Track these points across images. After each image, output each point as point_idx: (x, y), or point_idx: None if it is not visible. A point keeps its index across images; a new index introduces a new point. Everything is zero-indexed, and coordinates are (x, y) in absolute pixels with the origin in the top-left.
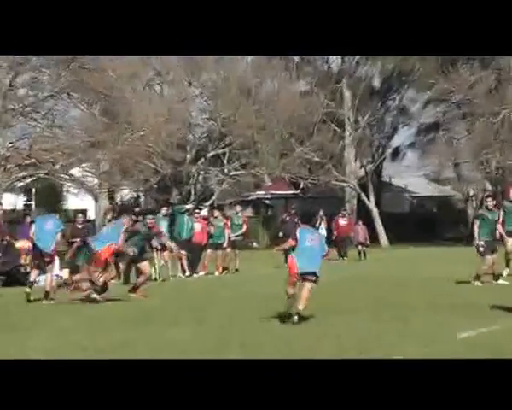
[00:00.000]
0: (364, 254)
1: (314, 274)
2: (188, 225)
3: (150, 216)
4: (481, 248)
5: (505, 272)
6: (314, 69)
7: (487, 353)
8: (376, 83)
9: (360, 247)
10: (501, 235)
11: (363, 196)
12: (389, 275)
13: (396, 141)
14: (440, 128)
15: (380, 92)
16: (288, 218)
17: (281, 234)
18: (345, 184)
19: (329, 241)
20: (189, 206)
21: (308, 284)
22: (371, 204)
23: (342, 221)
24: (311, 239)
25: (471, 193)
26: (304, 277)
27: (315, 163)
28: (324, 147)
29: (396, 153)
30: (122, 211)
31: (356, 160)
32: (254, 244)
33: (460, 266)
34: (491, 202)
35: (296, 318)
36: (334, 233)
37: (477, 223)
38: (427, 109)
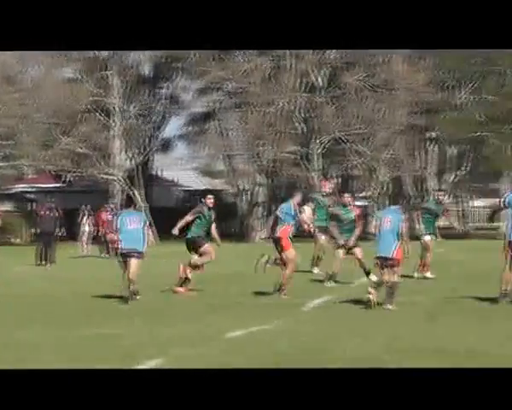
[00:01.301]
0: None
1: (138, 252)
2: None
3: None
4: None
5: (315, 270)
6: (81, 55)
7: (257, 352)
8: (146, 70)
9: None
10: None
11: (132, 190)
12: (159, 273)
13: (167, 132)
14: (213, 118)
15: (150, 80)
16: (43, 212)
17: (37, 230)
18: (111, 177)
19: (94, 237)
20: None
21: (134, 260)
22: (139, 198)
23: (108, 216)
24: (131, 222)
25: (245, 187)
26: (128, 255)
27: (80, 155)
28: (90, 138)
29: (166, 144)
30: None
31: (124, 151)
32: (17, 240)
33: (232, 263)
34: (347, 198)
35: (139, 297)
36: (100, 229)
37: (334, 224)
38: (199, 98)
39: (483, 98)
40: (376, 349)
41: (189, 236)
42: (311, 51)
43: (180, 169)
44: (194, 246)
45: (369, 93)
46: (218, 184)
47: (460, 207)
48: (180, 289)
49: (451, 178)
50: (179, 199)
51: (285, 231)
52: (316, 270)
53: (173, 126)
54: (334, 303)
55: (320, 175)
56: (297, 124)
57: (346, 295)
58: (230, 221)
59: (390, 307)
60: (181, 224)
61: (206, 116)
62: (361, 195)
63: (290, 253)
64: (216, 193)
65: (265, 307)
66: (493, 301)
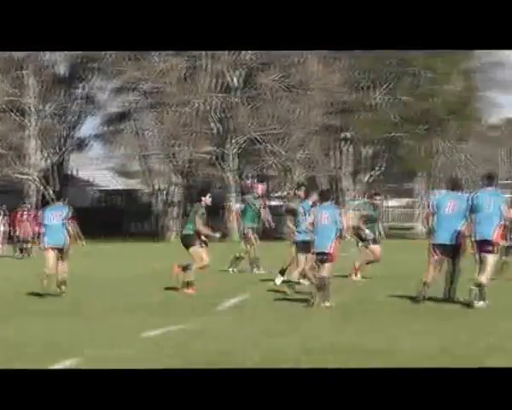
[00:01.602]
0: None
1: (59, 247)
2: None
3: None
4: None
5: (256, 271)
6: None
7: (174, 351)
8: (62, 70)
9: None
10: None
11: (47, 190)
12: (72, 273)
13: (82, 131)
14: (129, 118)
15: (66, 80)
16: None
17: None
18: (26, 177)
19: (9, 237)
20: None
21: (56, 254)
22: (54, 198)
23: (24, 216)
24: (54, 216)
25: (161, 187)
26: (51, 249)
27: None
28: (6, 137)
29: (82, 144)
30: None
31: (39, 151)
32: None
33: (148, 262)
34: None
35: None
36: (16, 229)
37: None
38: (115, 98)
39: (397, 99)
40: (293, 349)
41: (186, 232)
42: (226, 52)
43: (95, 169)
44: (187, 243)
45: (285, 93)
46: (133, 183)
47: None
48: (188, 290)
49: (366, 178)
50: (94, 199)
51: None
52: (256, 270)
53: (89, 126)
54: (250, 302)
55: (235, 175)
56: (212, 124)
57: (263, 295)
58: (146, 221)
59: (328, 304)
60: (207, 231)
61: (122, 116)
62: (276, 195)
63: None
64: (133, 192)
65: (181, 306)
66: (410, 299)
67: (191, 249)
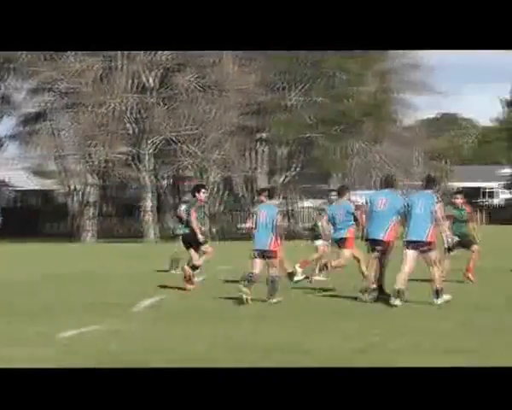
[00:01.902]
0: None
1: None
2: None
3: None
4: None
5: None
6: None
7: (90, 352)
8: None
9: None
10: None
11: None
12: None
13: None
14: (44, 119)
15: None
16: None
17: None
18: None
19: None
20: None
21: None
22: None
23: None
24: None
25: (76, 187)
26: None
27: None
28: None
29: None
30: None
31: None
32: None
33: (63, 263)
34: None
35: None
36: None
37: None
38: (31, 99)
39: (313, 100)
40: (206, 349)
41: (188, 231)
42: (142, 52)
43: (11, 169)
44: (190, 241)
45: (201, 94)
46: (49, 184)
47: (289, 207)
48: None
49: (281, 178)
50: (10, 199)
51: (351, 231)
52: (174, 271)
53: (5, 127)
54: (166, 303)
55: (151, 175)
56: (128, 124)
57: (180, 295)
58: (62, 221)
59: (275, 300)
60: (197, 229)
61: (38, 116)
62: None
63: (350, 252)
64: (49, 193)
65: (97, 306)
66: (327, 299)
67: (192, 249)
